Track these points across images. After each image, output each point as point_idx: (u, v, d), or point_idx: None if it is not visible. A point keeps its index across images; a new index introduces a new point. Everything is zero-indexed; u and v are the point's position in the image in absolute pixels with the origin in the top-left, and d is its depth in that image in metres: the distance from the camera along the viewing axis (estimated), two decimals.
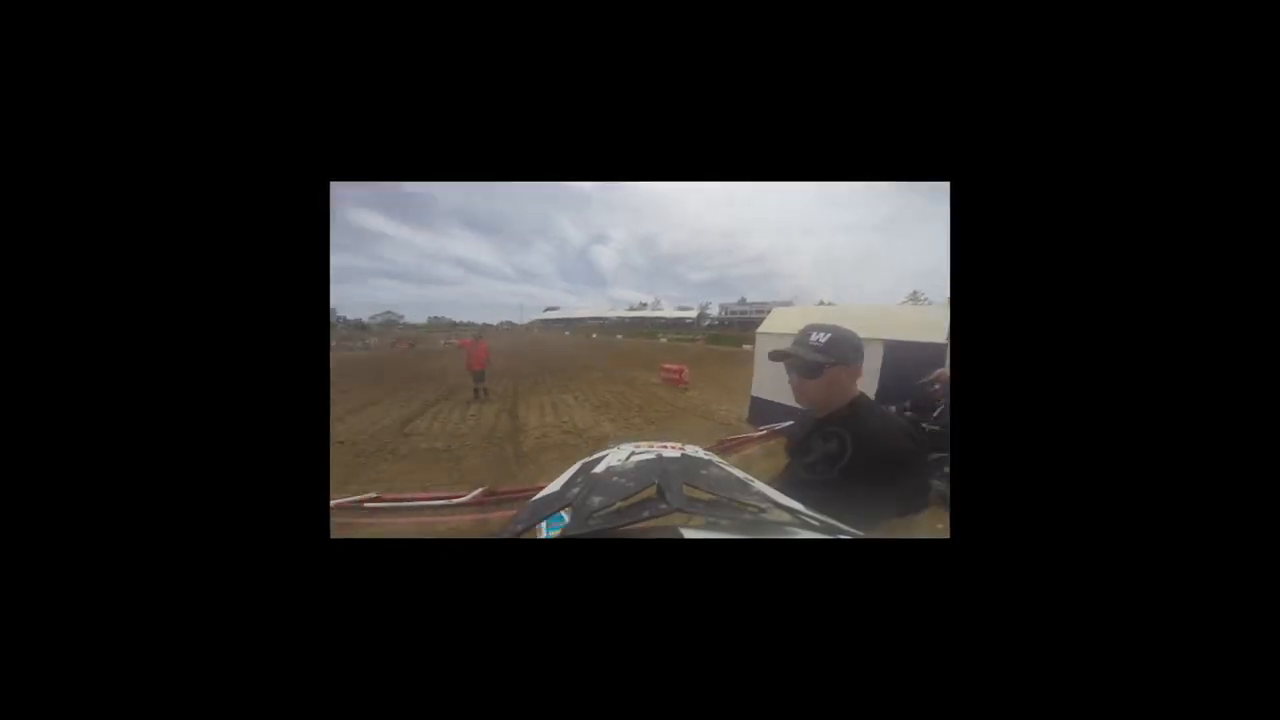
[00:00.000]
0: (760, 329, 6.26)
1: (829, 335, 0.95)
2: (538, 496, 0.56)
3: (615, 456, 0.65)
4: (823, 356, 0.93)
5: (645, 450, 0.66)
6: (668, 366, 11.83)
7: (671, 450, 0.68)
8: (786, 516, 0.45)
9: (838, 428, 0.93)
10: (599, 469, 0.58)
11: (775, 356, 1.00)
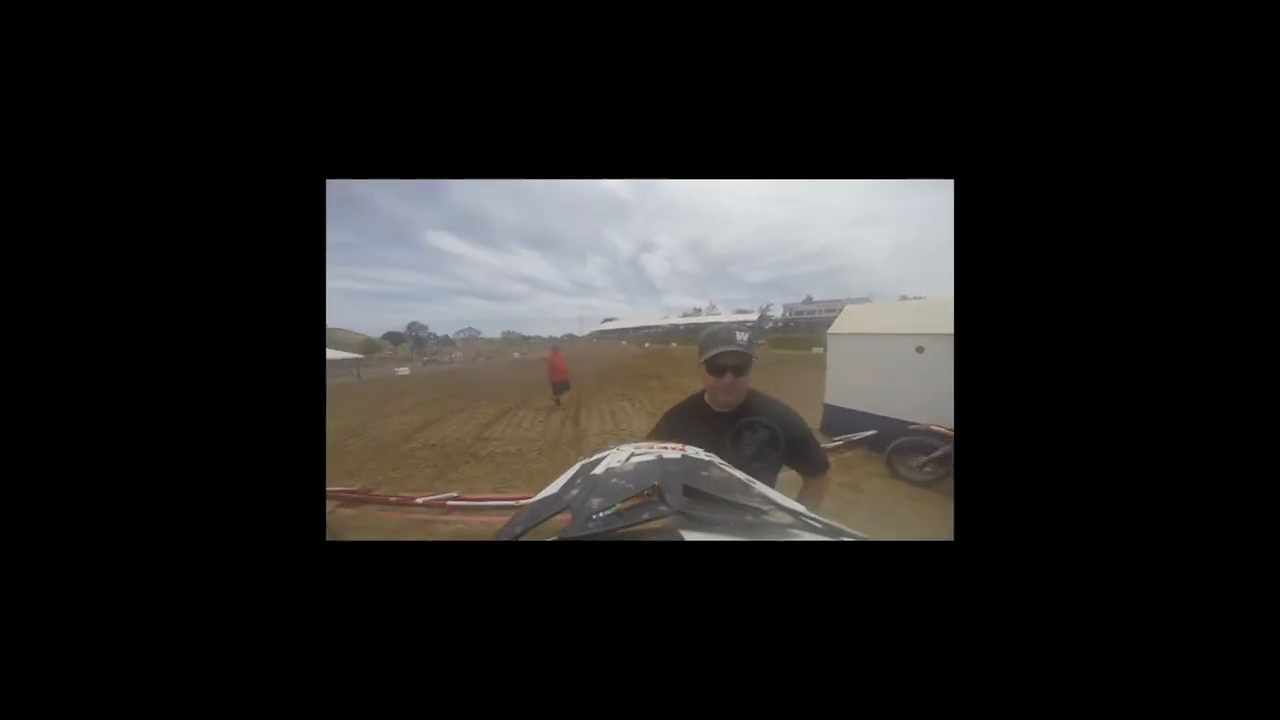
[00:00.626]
0: (832, 329, 5.71)
1: (747, 333, 1.08)
2: (536, 498, 0.56)
3: (615, 458, 0.63)
4: (750, 353, 1.06)
5: (645, 451, 0.65)
6: None
7: (672, 451, 0.66)
8: (788, 518, 0.45)
9: (756, 418, 1.12)
10: (598, 470, 0.57)
11: (717, 359, 1.06)
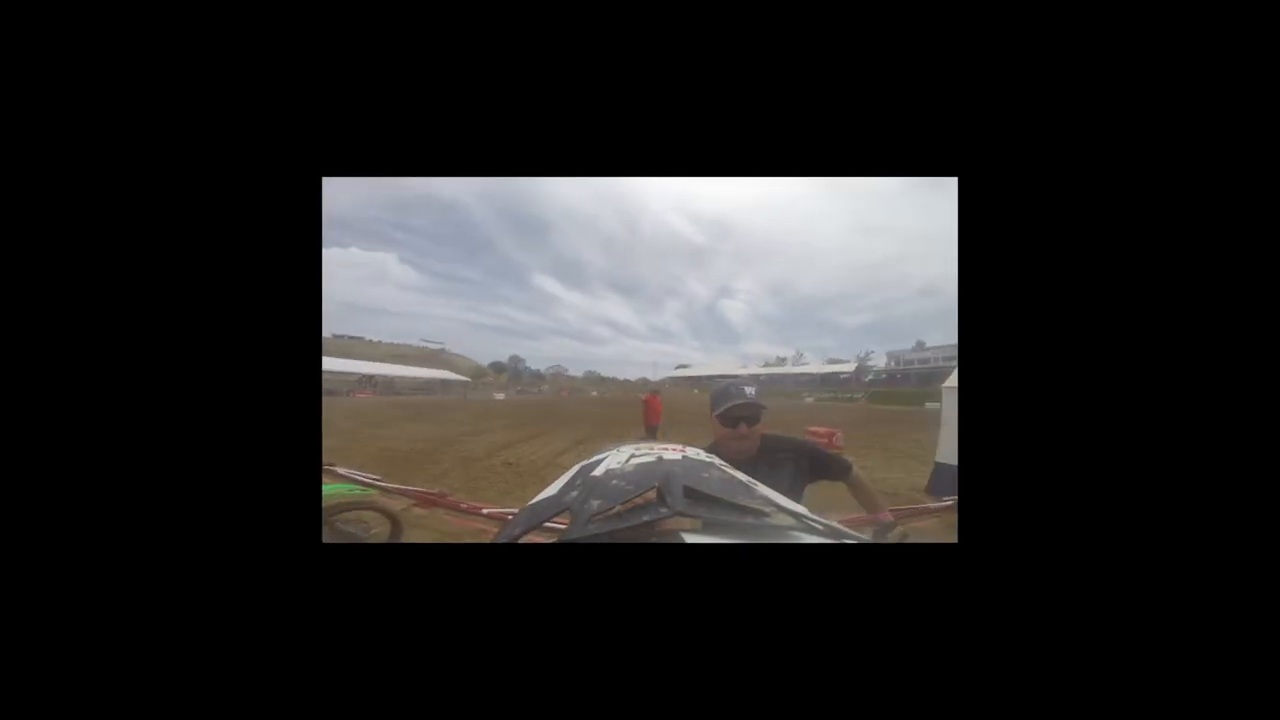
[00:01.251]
0: (948, 384, 4.96)
1: (754, 386, 1.19)
2: (534, 500, 0.54)
3: (615, 459, 0.63)
4: (760, 404, 1.15)
5: (645, 452, 0.64)
6: (814, 430, 10.25)
7: (672, 452, 0.65)
8: (790, 520, 0.44)
9: (783, 454, 1.23)
10: (598, 472, 0.56)
11: (731, 412, 1.13)
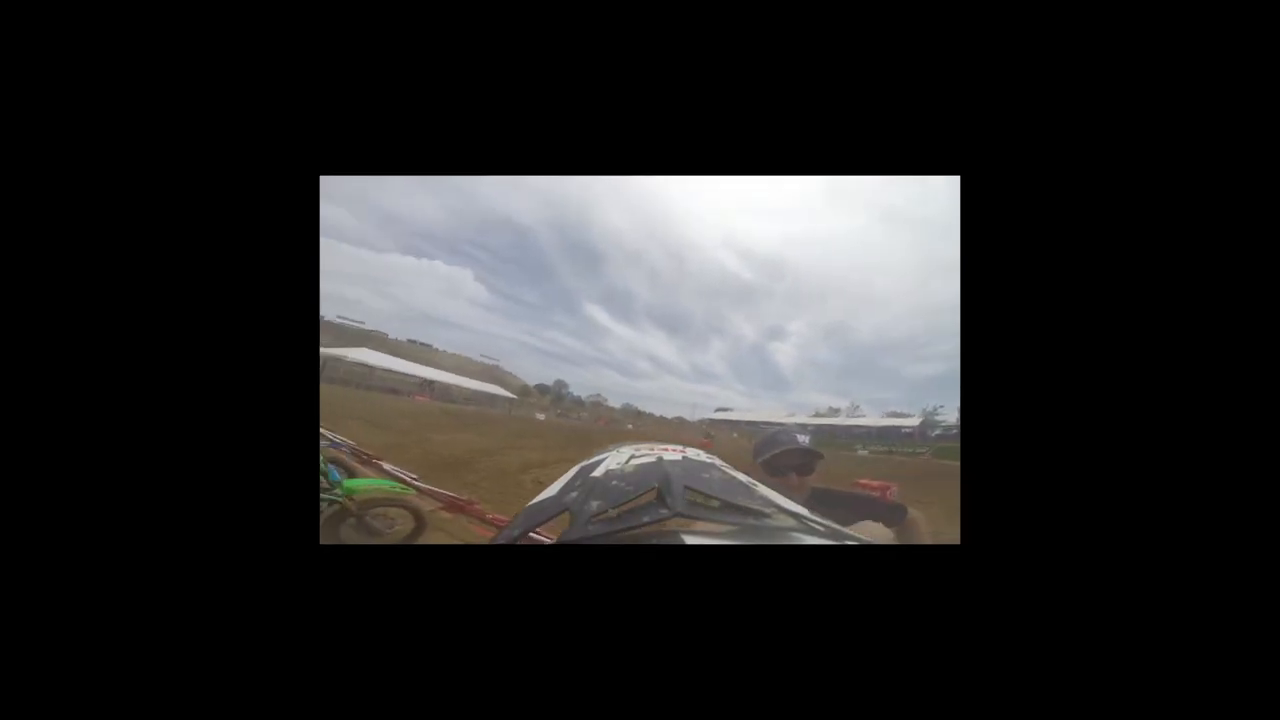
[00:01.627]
0: None
1: (808, 435, 1.11)
2: (533, 502, 0.54)
3: (614, 459, 0.63)
4: (816, 451, 1.09)
5: (645, 453, 0.64)
6: (866, 483, 9.31)
7: (673, 453, 0.65)
8: (791, 522, 0.44)
9: (835, 509, 1.03)
10: (597, 472, 0.56)
11: (779, 459, 1.06)
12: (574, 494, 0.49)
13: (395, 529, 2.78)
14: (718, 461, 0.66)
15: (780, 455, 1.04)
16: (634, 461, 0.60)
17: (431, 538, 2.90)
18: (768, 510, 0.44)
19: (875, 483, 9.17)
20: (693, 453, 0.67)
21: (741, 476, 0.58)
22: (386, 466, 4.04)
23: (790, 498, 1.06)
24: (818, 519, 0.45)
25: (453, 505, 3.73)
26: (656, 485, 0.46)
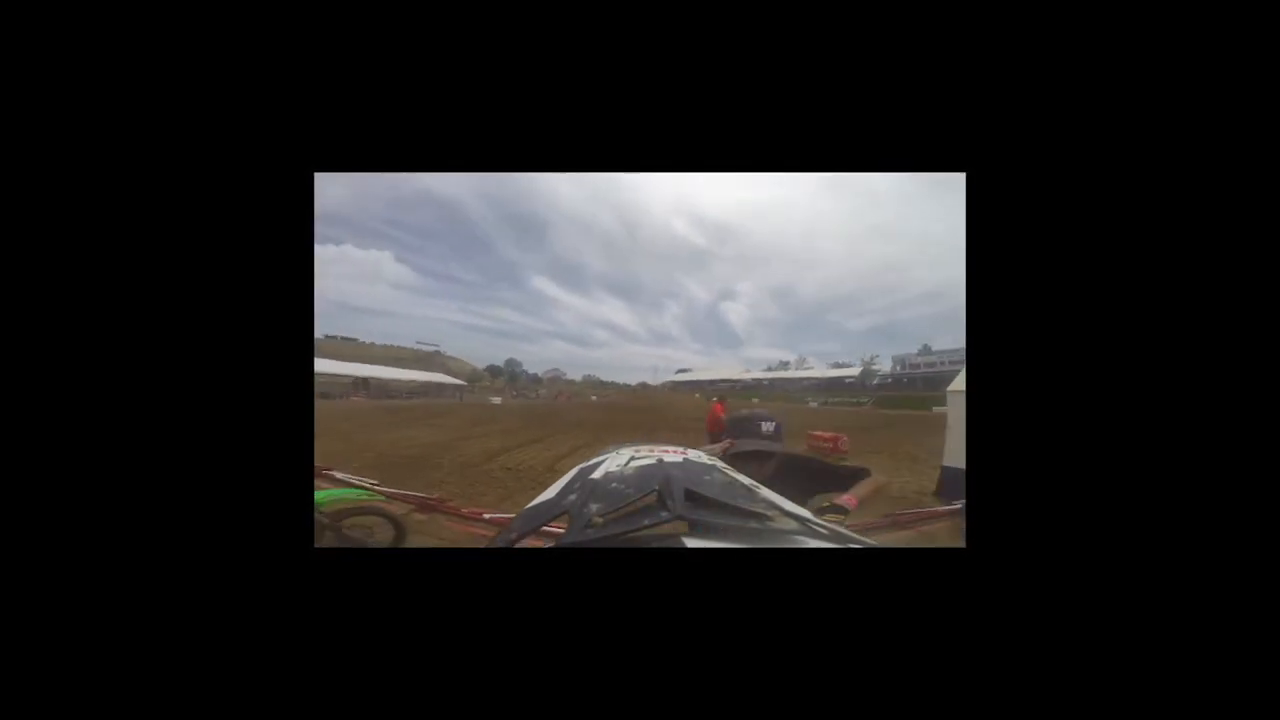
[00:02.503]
0: (952, 387, 4.99)
1: (773, 422, 1.04)
2: (532, 504, 0.53)
3: (614, 461, 0.62)
4: (777, 448, 1.04)
5: (645, 455, 0.64)
6: (819, 435, 10.19)
7: (673, 455, 0.64)
8: (794, 524, 0.43)
9: (797, 476, 1.09)
10: (597, 474, 0.55)
11: (744, 445, 1.02)
12: (573, 496, 0.49)
13: (375, 537, 2.71)
14: (719, 464, 0.66)
15: (745, 454, 1.04)
16: (634, 463, 0.59)
17: (414, 540, 2.86)
18: (770, 513, 0.44)
19: (827, 434, 10.11)
20: (694, 454, 0.67)
21: (743, 479, 0.57)
22: (339, 475, 3.83)
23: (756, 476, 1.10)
24: (821, 522, 0.45)
25: (424, 506, 3.66)
26: (657, 488, 0.46)
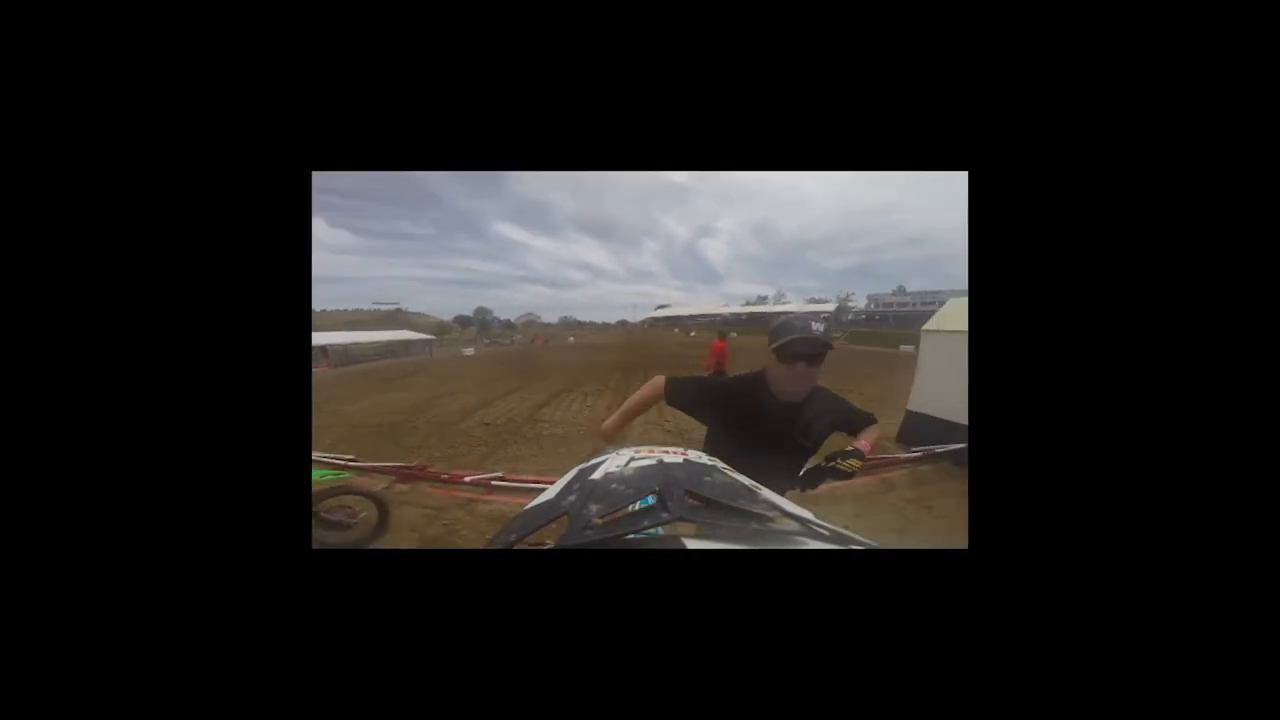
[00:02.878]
0: (928, 326, 4.76)
1: (823, 324, 1.05)
2: (531, 505, 0.53)
3: (614, 462, 0.61)
4: (827, 342, 1.04)
5: (645, 456, 0.64)
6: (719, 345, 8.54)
7: (673, 455, 0.64)
8: (795, 525, 0.43)
9: (825, 406, 1.19)
10: (596, 475, 0.55)
11: (789, 346, 1.03)
12: (572, 497, 0.48)
13: (362, 517, 2.69)
14: (719, 464, 0.65)
15: (792, 343, 1.03)
16: (634, 464, 0.59)
17: (398, 513, 2.88)
18: (771, 514, 0.44)
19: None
20: (694, 455, 0.66)
21: (744, 479, 0.57)
22: (314, 455, 3.72)
23: (795, 389, 1.08)
24: (822, 523, 0.44)
25: (404, 476, 3.64)
26: (657, 489, 0.45)
